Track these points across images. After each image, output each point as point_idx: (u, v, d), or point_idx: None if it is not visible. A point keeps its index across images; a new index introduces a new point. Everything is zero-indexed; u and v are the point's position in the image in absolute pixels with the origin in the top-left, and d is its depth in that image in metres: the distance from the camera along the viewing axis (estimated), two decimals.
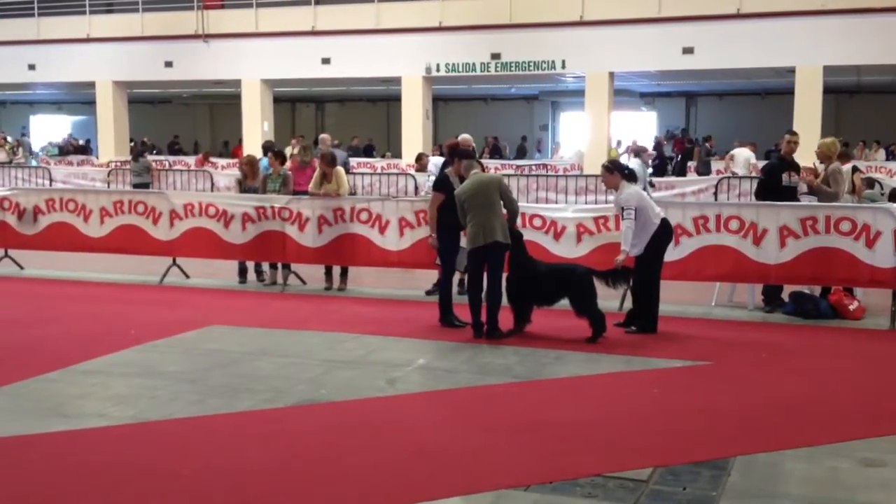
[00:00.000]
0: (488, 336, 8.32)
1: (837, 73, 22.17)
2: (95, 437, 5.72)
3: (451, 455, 5.41)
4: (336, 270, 11.23)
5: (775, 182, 9.95)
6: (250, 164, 11.91)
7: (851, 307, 9.40)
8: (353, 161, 22.78)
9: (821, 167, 10.65)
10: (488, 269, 8.43)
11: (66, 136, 37.53)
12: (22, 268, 12.57)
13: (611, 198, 18.16)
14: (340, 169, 11.38)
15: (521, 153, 30.89)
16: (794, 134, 10.49)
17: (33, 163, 26.64)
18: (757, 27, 21.23)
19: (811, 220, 9.28)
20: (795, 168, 10.14)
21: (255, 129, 25.59)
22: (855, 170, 12.10)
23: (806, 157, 10.86)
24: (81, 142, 34.44)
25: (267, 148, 14.18)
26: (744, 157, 20.61)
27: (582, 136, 24.88)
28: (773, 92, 28.96)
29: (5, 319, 9.32)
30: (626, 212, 8.55)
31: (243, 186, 11.78)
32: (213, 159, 26.12)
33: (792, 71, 21.61)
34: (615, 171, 8.86)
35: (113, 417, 6.06)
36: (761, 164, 17.64)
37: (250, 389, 6.72)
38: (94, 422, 5.97)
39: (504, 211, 8.46)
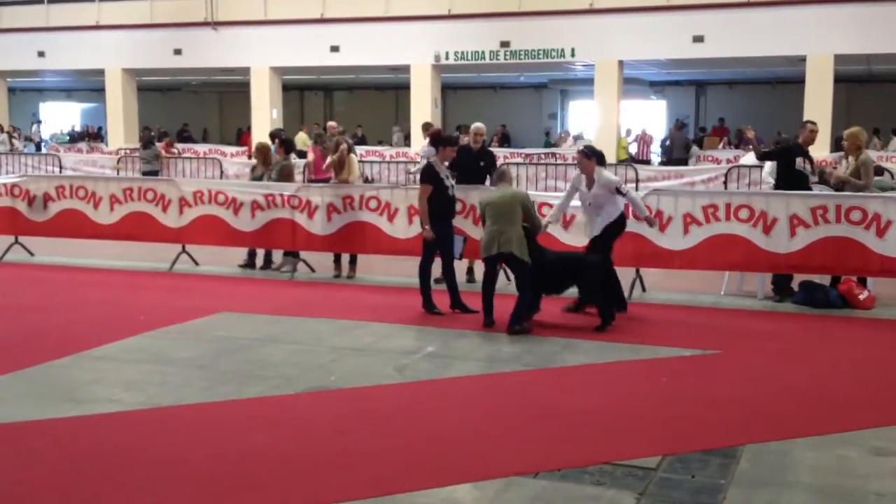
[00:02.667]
0: (509, 326, 8.24)
1: (848, 61, 22.05)
2: (106, 423, 5.75)
3: (460, 442, 5.43)
4: (345, 258, 11.24)
5: (788, 164, 9.89)
6: (259, 153, 11.97)
7: (861, 297, 9.38)
8: (361, 149, 22.77)
9: (837, 156, 10.56)
10: (516, 281, 8.45)
11: (73, 125, 37.60)
12: (32, 254, 12.62)
13: None
14: (353, 157, 11.41)
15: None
16: (815, 124, 10.43)
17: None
18: (767, 15, 21.13)
19: (821, 209, 9.24)
20: (809, 157, 10.11)
21: (264, 117, 25.61)
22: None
23: (817, 147, 10.78)
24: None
25: (274, 135, 14.20)
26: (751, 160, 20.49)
27: (591, 124, 24.85)
28: (784, 81, 28.84)
29: (17, 305, 9.37)
30: (622, 187, 8.97)
31: (253, 174, 11.84)
32: (177, 145, 25.69)
33: (803, 59, 21.51)
34: (592, 157, 9.02)
35: (123, 403, 6.09)
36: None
37: (260, 376, 6.75)
38: (104, 407, 6.01)
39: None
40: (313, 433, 5.57)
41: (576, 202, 10.30)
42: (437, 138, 9.52)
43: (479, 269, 10.47)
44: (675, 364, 7.32)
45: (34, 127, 34.12)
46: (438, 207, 8.96)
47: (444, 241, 9.05)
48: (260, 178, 11.72)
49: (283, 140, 12.29)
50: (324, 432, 5.58)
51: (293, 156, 12.94)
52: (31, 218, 12.38)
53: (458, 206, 10.29)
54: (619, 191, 8.88)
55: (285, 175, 11.65)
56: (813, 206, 9.28)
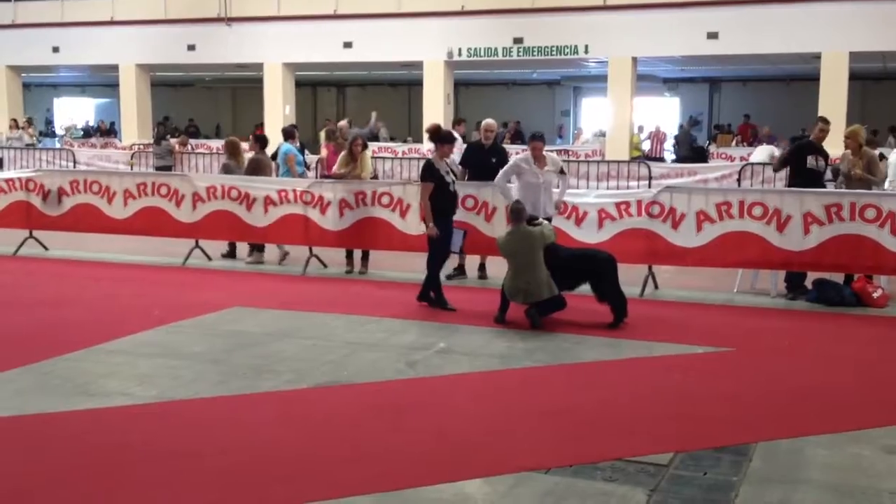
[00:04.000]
0: (529, 309, 8.23)
1: (863, 59, 21.93)
2: (119, 416, 5.78)
3: (471, 438, 5.43)
4: (357, 254, 11.26)
5: (800, 162, 9.85)
6: (227, 147, 12.65)
7: (875, 295, 9.33)
8: (374, 146, 22.77)
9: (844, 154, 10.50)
10: (546, 302, 8.29)
11: (88, 120, 37.79)
12: (46, 249, 12.67)
13: (633, 183, 18.11)
14: (366, 153, 11.43)
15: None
16: (827, 122, 10.39)
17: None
18: (782, 12, 21.03)
19: (836, 206, 9.20)
20: (824, 154, 10.07)
21: (277, 113, 25.65)
22: (881, 157, 11.99)
23: (833, 144, 10.72)
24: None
25: (287, 132, 14.22)
26: (766, 154, 20.34)
27: (604, 121, 24.79)
28: (798, 78, 28.69)
29: (31, 299, 9.41)
30: (564, 167, 9.73)
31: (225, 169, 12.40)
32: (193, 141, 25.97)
33: (817, 57, 21.39)
34: (543, 140, 9.58)
35: (137, 397, 6.12)
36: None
37: (272, 370, 6.77)
38: (118, 401, 6.04)
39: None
40: (325, 427, 5.59)
41: (587, 198, 10.33)
42: (436, 135, 9.43)
43: (491, 265, 10.50)
44: (688, 361, 7.30)
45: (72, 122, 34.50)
46: (441, 204, 8.96)
47: (442, 237, 9.03)
48: (231, 171, 12.13)
49: (256, 136, 12.86)
50: (335, 427, 5.59)
51: (304, 152, 13.11)
52: (46, 212, 12.44)
53: (471, 203, 10.32)
54: (562, 171, 9.63)
55: (252, 169, 12.05)
56: (827, 203, 9.24)
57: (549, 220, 9.24)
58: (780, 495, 4.62)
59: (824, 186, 10.11)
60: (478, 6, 23.42)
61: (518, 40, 23.44)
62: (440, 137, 9.29)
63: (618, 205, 9.95)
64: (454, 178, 9.32)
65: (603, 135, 24.86)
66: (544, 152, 9.50)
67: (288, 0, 25.09)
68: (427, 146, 22.95)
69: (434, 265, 9.11)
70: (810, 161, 9.88)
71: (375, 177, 17.98)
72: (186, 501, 4.56)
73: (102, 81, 35.98)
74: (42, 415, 5.76)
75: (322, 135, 14.52)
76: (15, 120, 27.03)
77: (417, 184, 10.93)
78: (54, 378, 6.53)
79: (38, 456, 5.06)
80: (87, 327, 8.12)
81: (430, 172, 9.03)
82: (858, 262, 9.28)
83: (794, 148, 10.36)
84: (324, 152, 13.63)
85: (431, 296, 9.06)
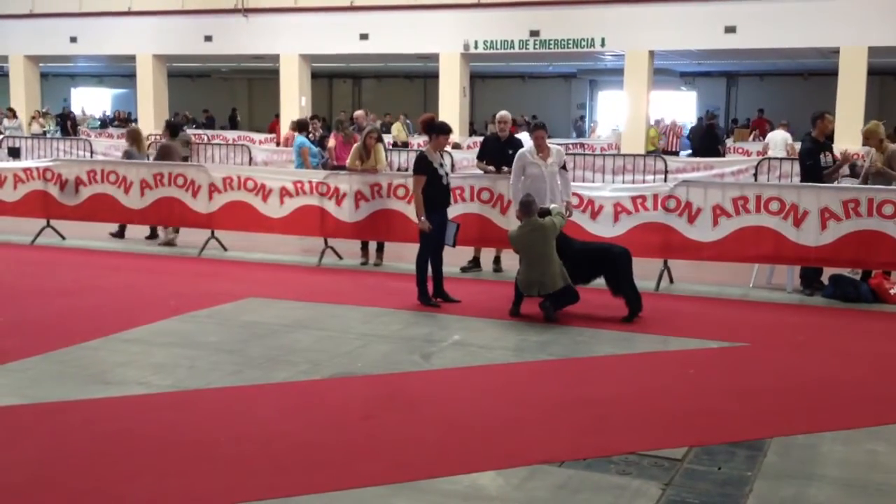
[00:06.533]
0: (542, 302, 8.25)
1: (882, 54, 21.77)
2: (136, 404, 5.82)
3: (485, 430, 5.44)
4: (372, 245, 11.27)
5: (817, 164, 9.80)
6: (129, 136, 13.61)
7: (892, 291, 9.26)
8: (389, 137, 22.78)
9: (862, 150, 10.45)
10: (560, 295, 8.27)
11: (105, 111, 37.97)
12: (64, 238, 12.75)
13: (648, 177, 18.00)
14: (380, 145, 11.41)
15: (578, 133, 30.91)
16: (831, 114, 10.34)
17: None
18: (801, 6, 20.90)
19: (853, 202, 9.15)
20: (830, 149, 10.01)
21: (293, 105, 25.70)
22: None
23: (850, 141, 10.65)
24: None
25: (301, 125, 14.19)
26: (780, 139, 20.27)
27: (621, 115, 24.73)
28: (816, 73, 28.56)
29: (49, 288, 9.48)
30: (566, 162, 9.51)
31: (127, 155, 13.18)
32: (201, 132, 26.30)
33: (836, 51, 21.26)
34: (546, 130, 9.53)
35: (153, 385, 6.16)
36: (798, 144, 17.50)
37: (288, 361, 6.79)
38: (134, 389, 6.08)
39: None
40: (340, 418, 5.61)
41: (602, 192, 10.30)
42: (430, 126, 9.18)
43: (507, 258, 10.50)
44: (703, 356, 7.29)
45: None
46: (433, 197, 8.82)
47: (440, 231, 8.91)
48: (133, 158, 12.87)
49: (168, 124, 14.06)
50: (350, 418, 5.61)
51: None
52: (63, 202, 12.50)
53: (487, 196, 10.32)
54: (564, 166, 9.43)
55: (161, 156, 12.84)
56: (844, 199, 9.19)
57: (567, 207, 9.18)
58: (794, 491, 4.62)
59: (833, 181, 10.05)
60: None
61: (534, 33, 23.39)
62: (434, 128, 9.07)
63: (634, 199, 9.92)
64: (447, 171, 9.21)
65: (617, 130, 24.82)
66: (548, 143, 9.42)
67: None
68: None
69: (422, 258, 8.93)
70: (821, 159, 9.82)
71: (405, 169, 18.00)
72: (200, 489, 4.58)
73: (120, 72, 36.13)
74: (59, 403, 5.80)
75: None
76: (11, 109, 27.11)
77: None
78: (71, 366, 6.58)
79: (55, 443, 5.10)
80: (104, 316, 8.17)
81: (422, 165, 8.87)
82: (875, 257, 9.24)
83: (812, 149, 10.23)
84: (332, 143, 13.62)
85: (446, 292, 9.00)
